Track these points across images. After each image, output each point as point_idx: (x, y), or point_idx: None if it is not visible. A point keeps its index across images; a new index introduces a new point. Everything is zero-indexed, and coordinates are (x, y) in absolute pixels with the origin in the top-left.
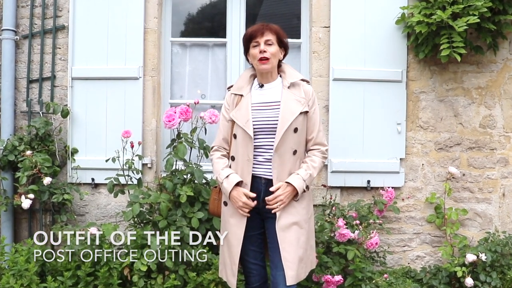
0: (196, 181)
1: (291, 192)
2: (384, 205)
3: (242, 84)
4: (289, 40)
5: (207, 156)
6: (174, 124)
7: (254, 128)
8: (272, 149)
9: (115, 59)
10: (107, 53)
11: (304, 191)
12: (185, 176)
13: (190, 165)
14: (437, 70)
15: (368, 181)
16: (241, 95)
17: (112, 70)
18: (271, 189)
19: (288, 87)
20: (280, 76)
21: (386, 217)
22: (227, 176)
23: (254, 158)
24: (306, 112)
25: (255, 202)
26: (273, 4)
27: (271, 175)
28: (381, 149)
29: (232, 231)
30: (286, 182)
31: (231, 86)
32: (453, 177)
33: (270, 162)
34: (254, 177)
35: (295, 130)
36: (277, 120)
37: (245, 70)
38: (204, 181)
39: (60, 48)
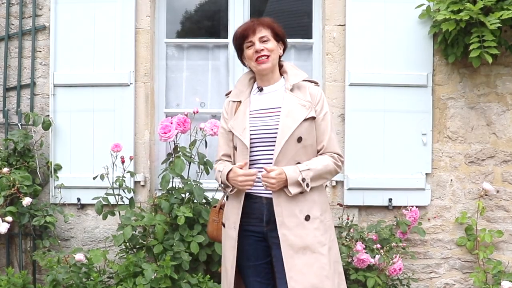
0: (195, 201)
1: (283, 180)
2: (407, 226)
3: (240, 88)
4: (299, 40)
5: (207, 173)
6: (171, 137)
7: (251, 138)
8: (272, 162)
9: (102, 63)
10: (93, 57)
11: (301, 185)
12: (183, 195)
13: (188, 183)
14: (467, 74)
15: (390, 200)
16: (240, 102)
17: (100, 75)
18: (265, 167)
19: (291, 90)
20: (283, 77)
21: (410, 240)
22: (220, 170)
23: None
24: (313, 118)
25: (256, 174)
26: (281, 0)
27: (271, 194)
28: (404, 163)
29: (226, 256)
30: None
31: (230, 93)
32: (486, 194)
33: None
34: (253, 197)
35: (299, 139)
36: (274, 130)
37: (244, 73)
38: (204, 200)
39: (40, 51)
